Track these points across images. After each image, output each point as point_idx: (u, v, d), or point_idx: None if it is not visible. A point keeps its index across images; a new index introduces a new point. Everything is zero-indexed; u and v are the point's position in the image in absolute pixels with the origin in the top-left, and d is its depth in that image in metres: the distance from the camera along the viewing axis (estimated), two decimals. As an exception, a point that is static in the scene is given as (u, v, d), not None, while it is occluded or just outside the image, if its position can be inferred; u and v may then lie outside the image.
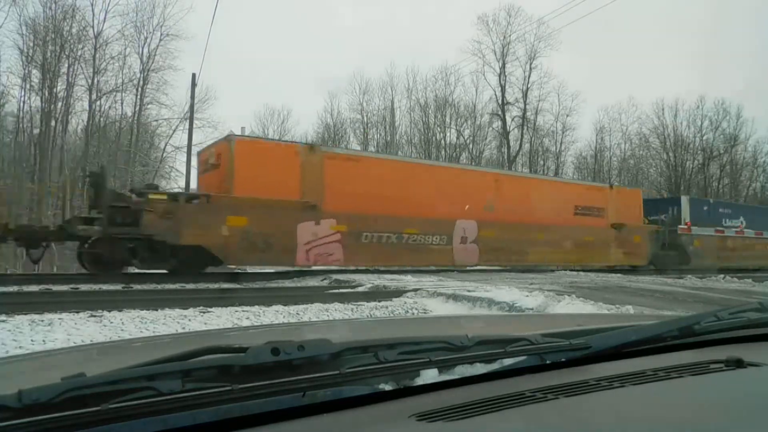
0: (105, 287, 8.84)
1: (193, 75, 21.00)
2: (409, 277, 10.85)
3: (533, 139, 42.20)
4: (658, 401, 0.77)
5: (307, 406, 0.70)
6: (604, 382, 0.84)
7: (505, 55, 39.95)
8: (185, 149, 23.07)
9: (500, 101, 40.43)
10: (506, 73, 40.16)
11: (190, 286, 10.14)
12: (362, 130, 42.98)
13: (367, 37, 62.14)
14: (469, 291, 7.74)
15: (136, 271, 10.89)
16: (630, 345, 1.03)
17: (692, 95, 53.44)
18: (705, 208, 20.65)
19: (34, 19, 27.99)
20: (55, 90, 28.44)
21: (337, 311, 6.50)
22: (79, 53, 28.89)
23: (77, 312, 5.78)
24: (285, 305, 6.64)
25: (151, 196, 10.16)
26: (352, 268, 12.32)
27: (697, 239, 19.02)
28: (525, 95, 40.39)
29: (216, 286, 10.22)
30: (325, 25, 63.87)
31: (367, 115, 42.99)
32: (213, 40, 37.73)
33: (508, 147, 40.60)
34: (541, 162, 42.66)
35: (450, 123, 42.23)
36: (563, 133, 43.17)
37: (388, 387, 0.79)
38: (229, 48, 58.94)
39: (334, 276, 11.20)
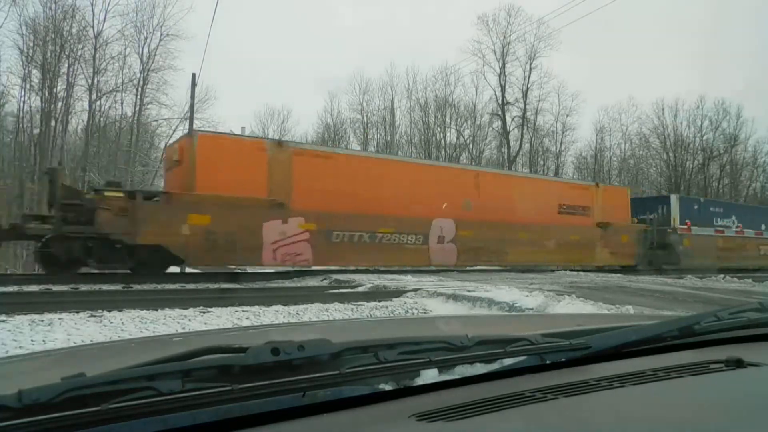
0: (105, 287, 8.84)
1: (193, 75, 20.97)
2: (409, 277, 10.85)
3: (533, 139, 42.22)
4: (658, 401, 0.77)
5: (307, 406, 0.70)
6: (604, 382, 0.84)
7: (505, 55, 39.99)
8: (185, 149, 22.98)
9: (500, 101, 40.45)
10: (506, 73, 40.19)
11: (191, 286, 10.15)
12: (362, 130, 43.02)
13: (367, 37, 62.20)
14: (469, 291, 7.74)
15: (92, 271, 10.54)
16: (630, 345, 1.03)
17: (692, 95, 53.50)
18: (695, 206, 20.25)
19: (34, 19, 28.02)
20: (55, 90, 28.45)
21: (337, 311, 6.51)
22: (79, 53, 28.91)
23: (77, 312, 5.79)
24: (285, 305, 6.65)
25: (106, 194, 9.85)
26: (352, 268, 12.26)
27: (686, 239, 18.62)
28: (525, 95, 40.42)
29: (216, 286, 10.23)
30: (325, 25, 63.96)
31: (367, 115, 43.03)
32: (213, 40, 37.73)
33: (508, 147, 40.60)
34: (541, 162, 42.67)
35: (450, 123, 42.27)
36: (563, 133, 43.22)
37: (388, 387, 0.79)
38: (229, 48, 58.97)
39: (334, 276, 11.20)
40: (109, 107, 30.66)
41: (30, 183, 25.57)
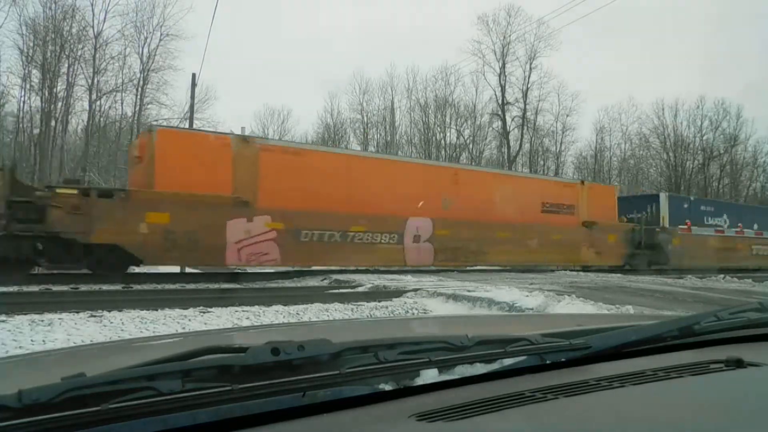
0: (105, 287, 8.84)
1: (193, 75, 20.99)
2: (409, 277, 10.86)
3: (533, 139, 42.26)
4: (658, 401, 0.77)
5: (307, 406, 0.70)
6: (604, 382, 0.84)
7: (505, 55, 40.01)
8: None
9: (500, 101, 40.47)
10: (506, 73, 40.22)
11: (191, 286, 10.16)
12: (362, 130, 43.05)
13: (367, 37, 62.20)
14: (469, 291, 7.75)
15: (45, 272, 10.23)
16: (630, 345, 1.03)
17: (692, 95, 53.58)
18: (685, 205, 19.72)
19: (34, 19, 28.07)
20: (55, 90, 28.48)
21: (337, 311, 6.51)
22: (79, 53, 28.96)
23: (77, 312, 5.79)
24: (285, 305, 6.65)
25: (58, 191, 9.46)
26: (352, 267, 12.22)
27: (676, 238, 18.07)
28: (525, 95, 40.44)
29: (216, 286, 10.23)
30: (325, 25, 63.96)
31: (367, 115, 43.07)
32: (213, 40, 37.77)
33: (508, 147, 40.61)
34: (541, 162, 42.70)
35: (450, 123, 42.32)
36: (563, 133, 43.26)
37: (388, 387, 0.79)
38: (229, 48, 59.01)
39: (334, 276, 11.21)
40: (109, 107, 30.75)
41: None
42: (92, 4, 28.96)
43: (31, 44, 28.21)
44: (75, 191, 9.61)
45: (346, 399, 0.73)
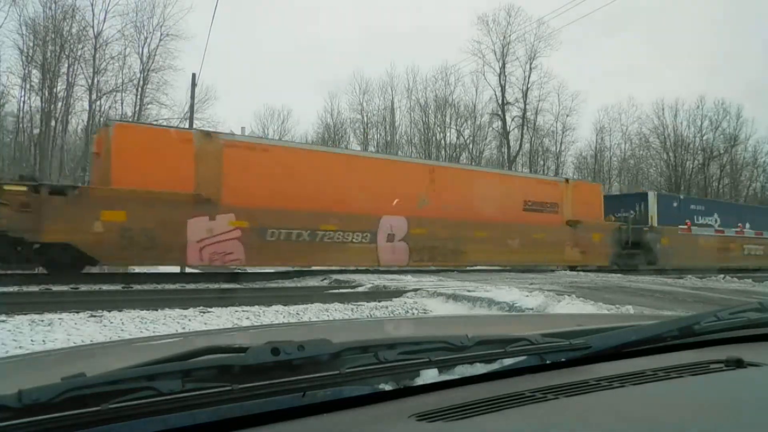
0: (105, 287, 8.84)
1: (193, 75, 20.99)
2: (409, 277, 10.85)
3: (533, 139, 42.28)
4: (658, 401, 0.77)
5: (306, 406, 0.70)
6: (604, 382, 0.84)
7: (505, 55, 40.03)
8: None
9: (500, 101, 40.49)
10: (506, 73, 40.24)
11: (191, 286, 10.15)
12: (362, 130, 43.07)
13: (367, 37, 62.21)
14: (469, 291, 7.75)
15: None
16: (630, 345, 1.03)
17: (692, 95, 53.65)
18: (674, 204, 19.32)
19: (34, 19, 28.09)
20: (55, 90, 28.51)
21: (337, 311, 6.51)
22: (79, 53, 28.99)
23: (77, 312, 5.79)
24: (285, 305, 6.65)
25: (5, 187, 9.12)
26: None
27: (665, 237, 17.73)
28: (525, 95, 40.46)
29: (216, 286, 10.23)
30: (325, 24, 63.96)
31: (367, 115, 43.09)
32: (213, 40, 37.76)
33: (508, 147, 40.62)
34: (541, 162, 42.71)
35: (450, 123, 42.34)
36: (563, 133, 43.29)
37: (388, 387, 0.79)
38: (229, 48, 59.01)
39: (334, 276, 11.20)
40: (109, 107, 30.75)
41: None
42: (92, 4, 29.02)
43: (31, 44, 28.27)
44: (24, 188, 9.27)
45: (346, 399, 0.73)
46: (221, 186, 10.59)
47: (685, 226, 18.84)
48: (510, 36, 39.48)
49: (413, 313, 6.70)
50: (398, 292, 8.16)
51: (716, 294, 8.70)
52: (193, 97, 21.95)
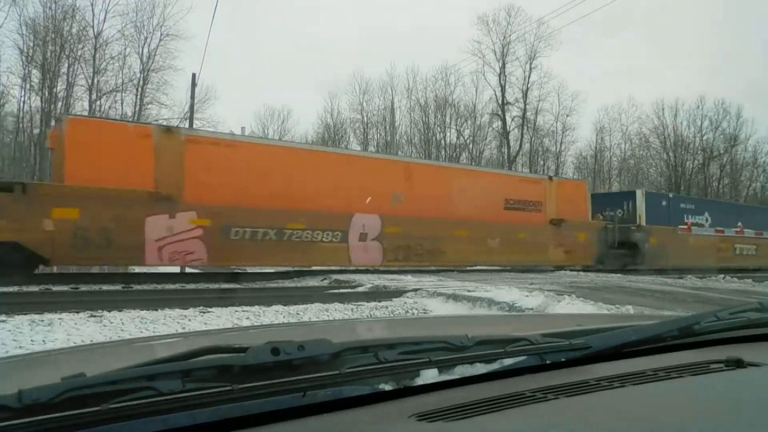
0: (105, 287, 8.84)
1: (193, 75, 21.01)
2: (409, 277, 10.85)
3: (533, 139, 42.28)
4: (658, 401, 0.77)
5: (307, 406, 0.70)
6: (604, 382, 0.84)
7: (505, 55, 40.02)
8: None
9: (500, 101, 40.49)
10: (506, 73, 40.23)
11: (191, 286, 10.15)
12: (362, 130, 43.07)
13: (367, 37, 62.21)
14: (469, 291, 7.75)
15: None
16: (630, 345, 1.03)
17: (692, 95, 53.66)
18: (663, 203, 18.84)
19: (34, 19, 28.09)
20: (55, 90, 28.51)
21: (337, 311, 6.51)
22: (79, 53, 29.00)
23: (77, 312, 5.79)
24: (285, 305, 6.65)
25: None
26: (352, 268, 12.17)
27: (653, 237, 17.29)
28: (525, 95, 40.46)
29: (216, 286, 10.23)
30: (325, 24, 63.95)
31: (367, 115, 43.08)
32: (213, 39, 37.74)
33: (508, 147, 40.63)
34: (542, 162, 42.70)
35: (450, 123, 42.33)
36: (563, 133, 43.30)
37: (388, 387, 0.79)
38: (229, 48, 59.00)
39: (334, 276, 11.20)
40: (109, 107, 30.73)
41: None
42: (92, 4, 29.02)
43: (31, 44, 28.27)
44: None
45: (346, 399, 0.73)
46: (183, 183, 10.24)
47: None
48: (510, 36, 39.53)
49: (413, 313, 6.70)
50: (398, 292, 8.16)
51: (716, 294, 8.70)
52: (193, 97, 21.97)
